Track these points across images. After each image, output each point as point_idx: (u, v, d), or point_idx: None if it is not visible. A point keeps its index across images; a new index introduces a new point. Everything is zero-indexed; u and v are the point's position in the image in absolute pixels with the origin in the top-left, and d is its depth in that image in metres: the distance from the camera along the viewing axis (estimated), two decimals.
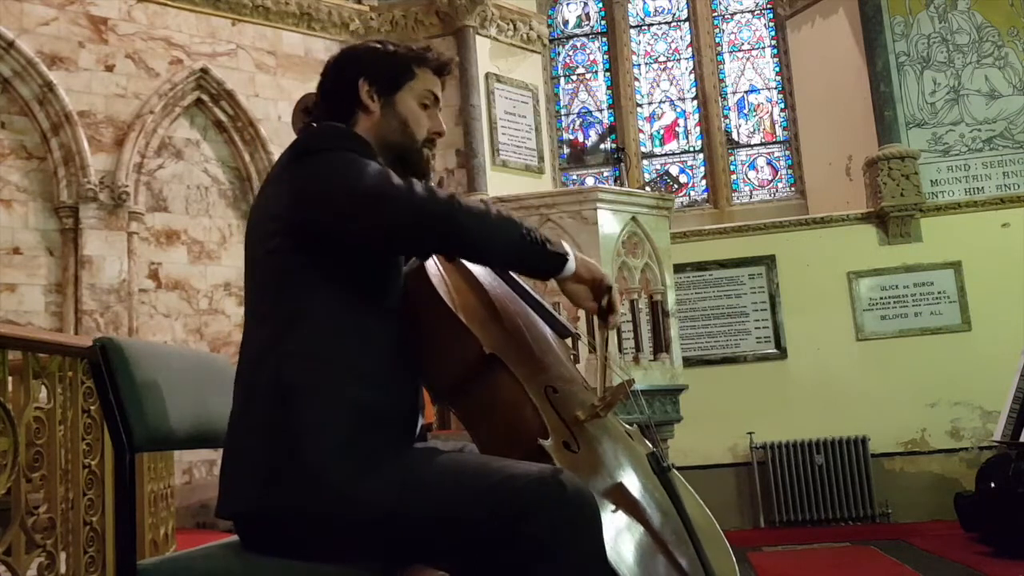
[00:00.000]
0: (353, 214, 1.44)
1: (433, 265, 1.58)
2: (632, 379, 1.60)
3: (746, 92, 7.79)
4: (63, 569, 2.35)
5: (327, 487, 1.36)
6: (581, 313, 4.26)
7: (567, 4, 8.14)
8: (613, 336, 4.33)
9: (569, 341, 1.80)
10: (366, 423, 1.43)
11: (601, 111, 7.94)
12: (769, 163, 7.67)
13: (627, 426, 1.70)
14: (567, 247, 1.57)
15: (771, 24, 7.82)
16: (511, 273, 1.71)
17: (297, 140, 1.56)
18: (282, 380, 1.43)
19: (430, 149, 1.67)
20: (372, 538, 1.37)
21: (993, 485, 4.82)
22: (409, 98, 1.64)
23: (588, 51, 8.07)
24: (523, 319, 1.65)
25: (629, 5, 8.05)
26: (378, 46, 1.68)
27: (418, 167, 1.62)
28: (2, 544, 2.08)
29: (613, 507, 1.39)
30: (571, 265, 1.56)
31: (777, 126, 7.70)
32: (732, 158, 7.71)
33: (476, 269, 1.68)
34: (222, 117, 6.51)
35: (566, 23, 8.13)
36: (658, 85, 7.95)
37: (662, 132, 7.88)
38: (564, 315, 4.35)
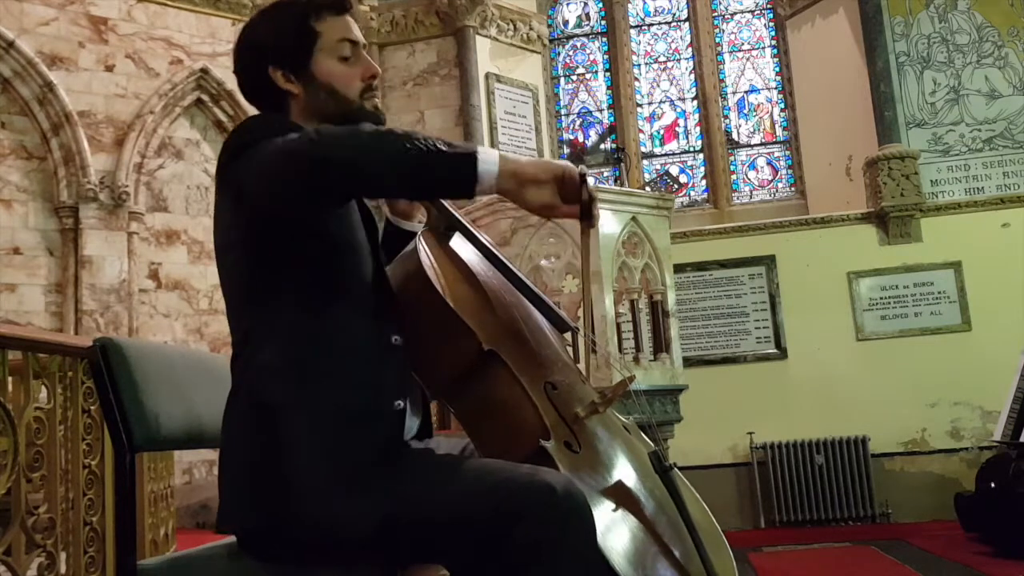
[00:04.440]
0: (276, 191, 1.35)
1: (424, 254, 1.50)
2: (633, 375, 1.55)
3: (746, 92, 7.79)
4: (63, 569, 2.34)
5: (312, 507, 1.33)
6: (580, 312, 4.26)
7: (567, 4, 8.14)
8: (613, 336, 4.31)
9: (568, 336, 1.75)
10: (349, 430, 1.37)
11: (601, 111, 7.93)
12: (769, 163, 7.67)
13: (624, 419, 1.67)
14: (483, 148, 1.32)
15: (771, 24, 7.82)
16: (504, 260, 1.61)
17: (226, 141, 1.48)
18: (257, 398, 1.40)
19: (372, 96, 1.53)
20: (365, 546, 1.34)
21: (993, 485, 4.82)
22: (324, 61, 1.50)
23: (588, 51, 8.06)
24: (519, 311, 1.57)
25: (629, 5, 8.05)
26: (267, 22, 1.54)
27: (368, 121, 1.47)
28: (2, 544, 2.08)
29: (613, 506, 1.37)
30: (487, 164, 1.30)
31: (777, 126, 7.70)
32: (732, 158, 7.71)
33: (470, 258, 1.59)
34: (222, 117, 6.51)
35: (566, 23, 8.13)
36: (658, 85, 7.95)
37: (662, 132, 7.88)
38: (564, 312, 4.36)
